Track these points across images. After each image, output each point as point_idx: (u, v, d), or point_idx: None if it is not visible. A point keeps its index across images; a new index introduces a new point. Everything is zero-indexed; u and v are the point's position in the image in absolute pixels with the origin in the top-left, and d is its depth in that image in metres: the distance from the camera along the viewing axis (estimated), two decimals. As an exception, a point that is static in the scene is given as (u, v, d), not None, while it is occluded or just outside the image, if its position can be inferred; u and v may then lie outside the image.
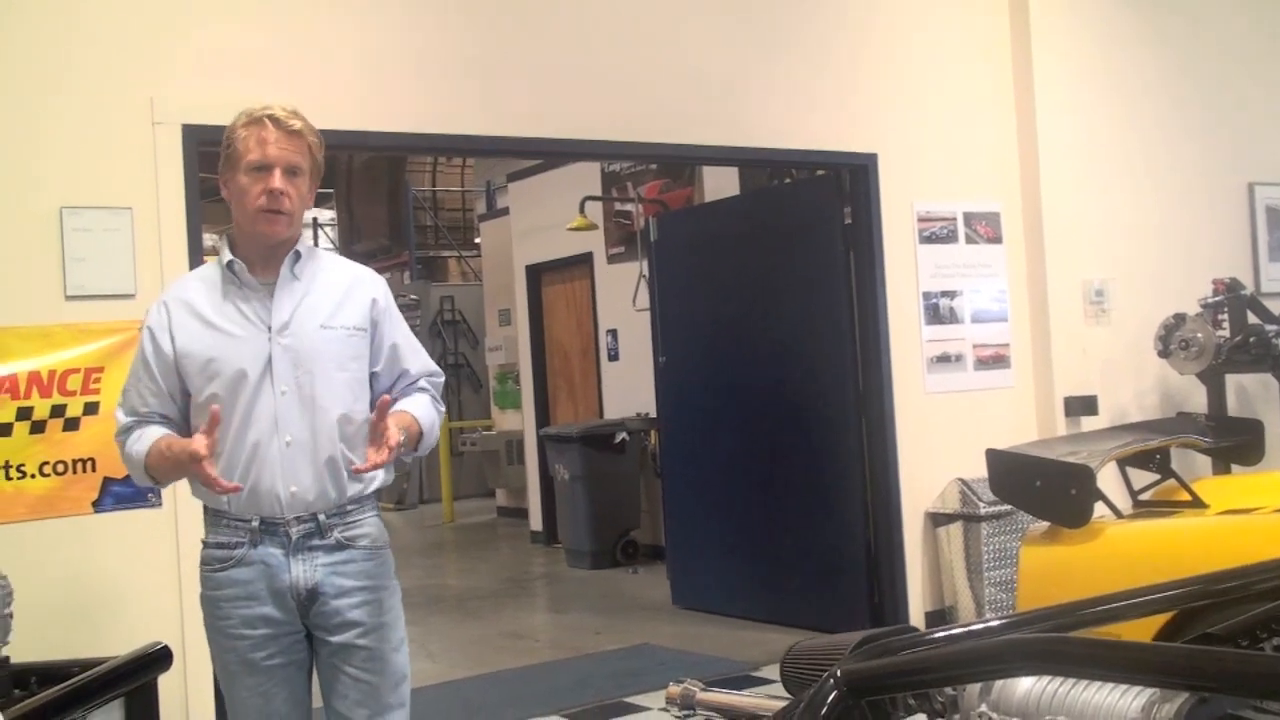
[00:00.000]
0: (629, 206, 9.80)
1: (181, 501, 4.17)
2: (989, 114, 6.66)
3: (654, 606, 7.71)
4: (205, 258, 3.56)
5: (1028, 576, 4.01)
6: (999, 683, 1.89)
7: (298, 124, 2.80)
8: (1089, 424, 6.46)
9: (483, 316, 13.67)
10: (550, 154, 7.35)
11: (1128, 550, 3.83)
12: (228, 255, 2.83)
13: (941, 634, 1.64)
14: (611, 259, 10.21)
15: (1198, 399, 6.71)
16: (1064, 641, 1.24)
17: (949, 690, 2.02)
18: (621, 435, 9.22)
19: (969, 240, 6.55)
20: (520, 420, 11.59)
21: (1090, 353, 6.73)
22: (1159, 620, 3.08)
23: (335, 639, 2.84)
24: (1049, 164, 6.68)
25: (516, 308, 11.57)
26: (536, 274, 11.19)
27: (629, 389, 9.68)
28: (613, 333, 10.19)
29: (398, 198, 17.46)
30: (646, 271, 8.50)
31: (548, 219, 10.42)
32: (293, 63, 4.82)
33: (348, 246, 18.66)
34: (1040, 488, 4.00)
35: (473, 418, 14.36)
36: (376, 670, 2.92)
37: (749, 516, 7.11)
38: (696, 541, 7.49)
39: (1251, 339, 6.52)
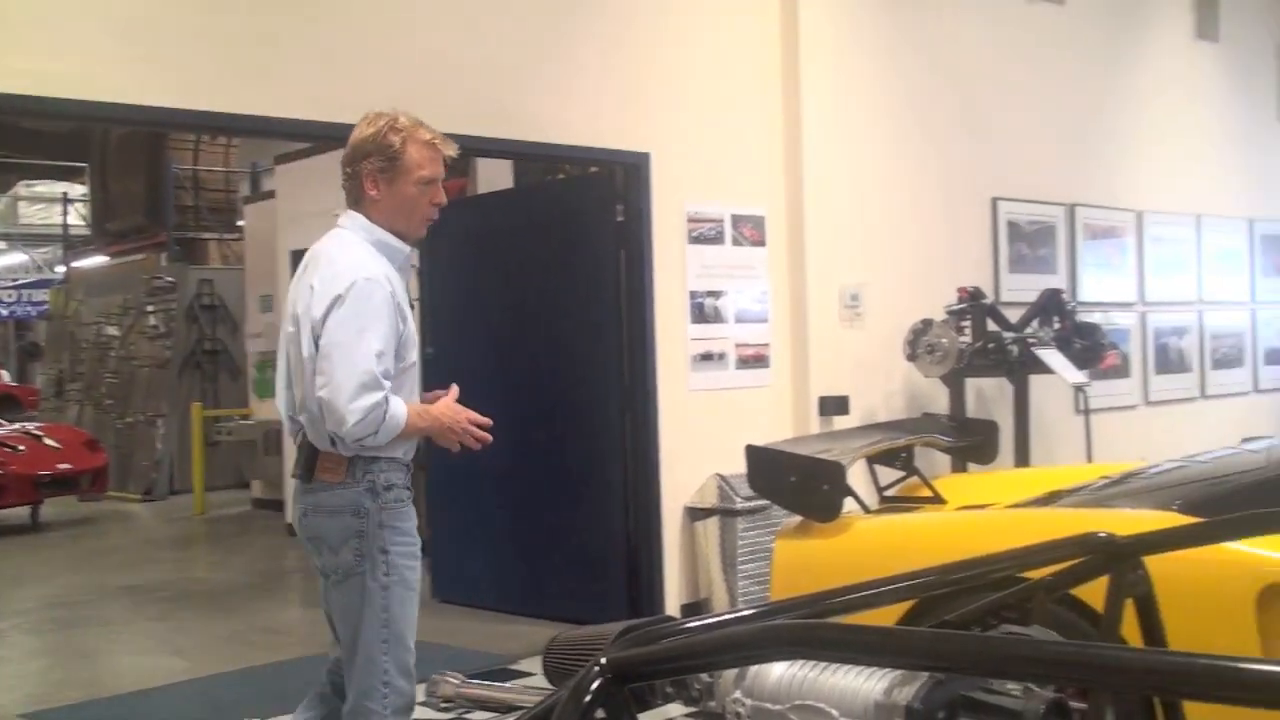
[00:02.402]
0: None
1: None
2: (758, 121, 6.86)
3: (415, 600, 7.61)
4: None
5: (781, 569, 4.16)
6: (753, 669, 1.97)
7: (451, 149, 3.50)
8: (841, 423, 6.74)
9: (243, 302, 13.22)
10: (322, 138, 7.14)
11: (874, 543, 4.03)
12: (399, 243, 3.44)
13: (700, 622, 1.69)
14: (381, 247, 10.01)
15: (941, 401, 7.09)
16: (816, 627, 1.30)
17: (705, 677, 2.09)
18: (386, 426, 9.05)
19: (735, 242, 6.73)
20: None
21: (844, 354, 7.02)
22: (901, 608, 3.25)
23: None
24: (812, 172, 6.93)
25: (279, 294, 11.21)
26: (301, 260, 10.88)
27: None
28: (380, 322, 9.99)
29: (157, 175, 16.67)
30: (416, 262, 8.39)
31: (316, 204, 10.09)
32: (52, 27, 4.55)
33: (100, 225, 17.72)
34: (794, 483, 4.16)
35: (230, 406, 13.86)
36: None
37: (513, 509, 7.12)
38: (460, 534, 7.44)
39: (990, 345, 6.93)
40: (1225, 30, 10.08)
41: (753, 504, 6.17)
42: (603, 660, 1.42)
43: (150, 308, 14.67)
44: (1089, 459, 7.37)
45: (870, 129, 7.27)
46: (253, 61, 5.10)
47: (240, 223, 14.86)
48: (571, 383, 6.77)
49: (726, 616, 1.70)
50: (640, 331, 6.38)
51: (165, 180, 16.41)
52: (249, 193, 14.05)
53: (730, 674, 2.00)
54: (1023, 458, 7.10)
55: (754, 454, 4.20)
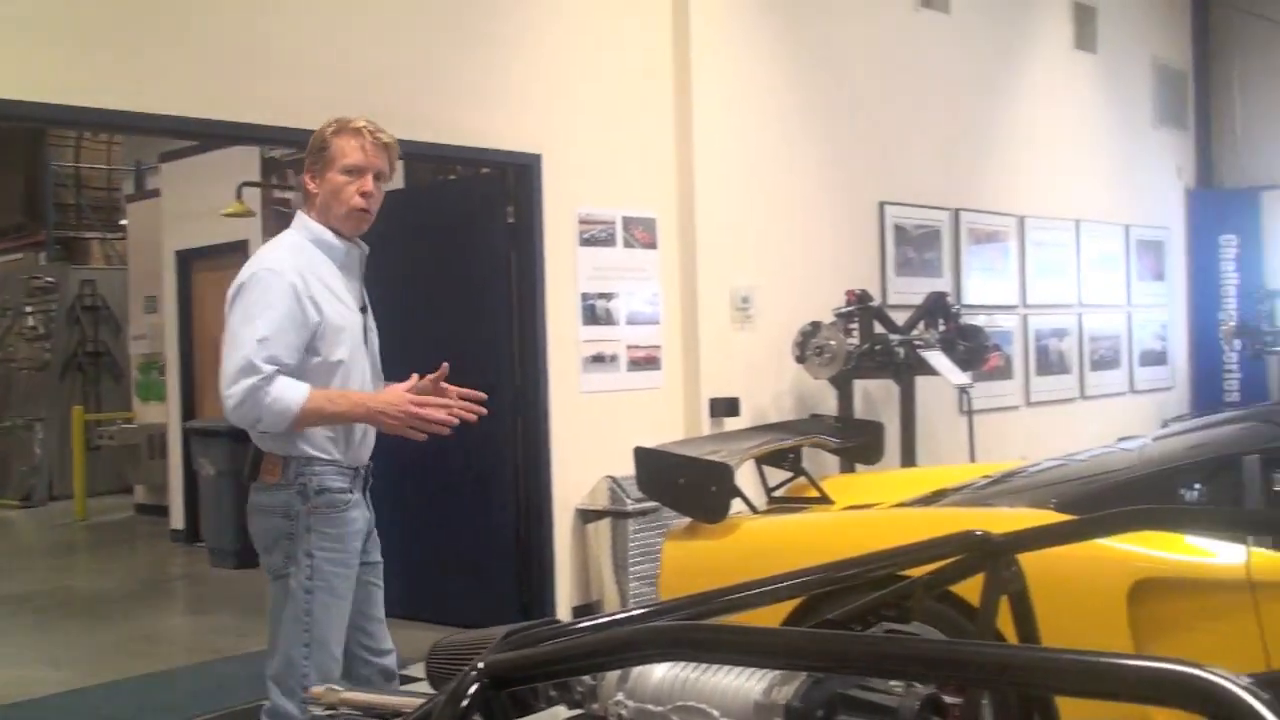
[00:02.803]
0: (290, 194, 9.51)
1: None
2: (650, 124, 6.89)
3: (303, 606, 7.49)
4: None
5: (669, 571, 4.18)
6: (635, 671, 1.97)
7: (387, 137, 3.45)
8: (732, 424, 6.80)
9: (126, 303, 12.89)
10: (204, 136, 7.03)
11: (761, 544, 4.07)
12: (335, 239, 3.43)
13: (582, 624, 1.70)
14: (269, 248, 9.86)
15: (830, 402, 7.19)
16: (691, 629, 1.31)
17: (588, 680, 2.09)
18: (270, 431, 8.91)
19: (627, 245, 6.75)
20: (164, 413, 11.00)
21: (735, 356, 7.08)
22: (787, 607, 3.29)
23: (374, 559, 3.62)
24: (703, 176, 6.98)
25: (165, 295, 10.97)
26: (188, 260, 10.66)
27: (283, 382, 9.37)
28: (269, 324, 9.83)
29: (35, 172, 16.16)
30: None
31: (202, 203, 9.94)
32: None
33: (-28, 221, 17.14)
34: (682, 485, 4.18)
35: (112, 409, 13.51)
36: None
37: (401, 512, 7.02)
38: (349, 539, 7.35)
39: (877, 347, 7.05)
40: (1103, 41, 10.39)
41: (644, 505, 6.19)
42: (480, 664, 1.42)
43: (29, 309, 14.24)
44: (972, 459, 7.53)
45: (761, 134, 7.35)
46: (134, 58, 4.98)
47: (123, 222, 14.48)
48: (463, 384, 6.68)
49: (605, 619, 1.71)
50: (532, 334, 6.37)
51: (44, 177, 15.91)
52: (133, 191, 13.68)
53: (613, 676, 2.00)
54: (909, 458, 7.23)
55: (642, 456, 4.22)
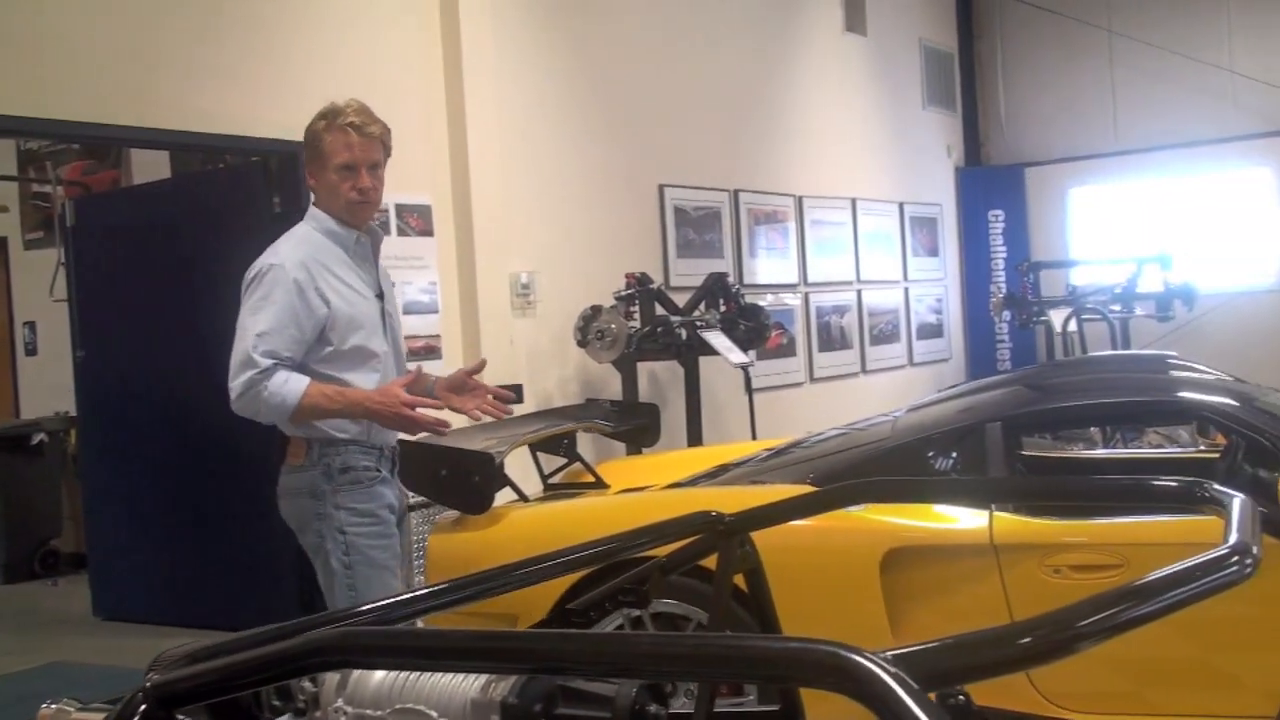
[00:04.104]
0: (48, 188, 9.05)
1: None
2: (421, 109, 6.75)
3: (75, 620, 7.15)
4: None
5: (435, 565, 4.12)
6: (354, 675, 1.91)
7: (375, 128, 3.53)
8: (517, 412, 6.74)
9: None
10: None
11: (525, 532, 4.03)
12: (342, 228, 3.52)
13: (256, 634, 1.63)
14: (29, 245, 9.40)
15: (615, 386, 7.21)
16: (357, 635, 1.26)
17: (308, 686, 2.02)
18: (39, 436, 8.50)
19: (401, 232, 6.61)
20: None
21: (517, 343, 7.02)
22: (558, 590, 3.26)
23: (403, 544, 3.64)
24: (478, 161, 6.89)
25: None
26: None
27: (49, 386, 8.92)
28: (30, 325, 9.39)
29: None
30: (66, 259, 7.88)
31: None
32: None
33: None
34: (445, 476, 4.12)
35: None
36: None
37: (179, 517, 6.79)
38: (122, 547, 7.03)
39: (659, 329, 7.09)
40: (872, 24, 10.70)
41: (425, 499, 6.08)
42: (146, 684, 1.34)
43: None
44: (754, 436, 7.67)
45: (537, 118, 7.30)
46: None
47: None
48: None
49: (268, 629, 1.64)
50: (304, 326, 6.17)
51: None
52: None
53: (332, 681, 1.94)
54: (695, 438, 7.32)
55: (404, 448, 4.11)
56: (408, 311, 6.60)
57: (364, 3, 6.51)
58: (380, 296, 3.61)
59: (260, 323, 3.35)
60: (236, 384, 3.35)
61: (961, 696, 2.35)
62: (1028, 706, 3.41)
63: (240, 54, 5.94)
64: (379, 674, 1.93)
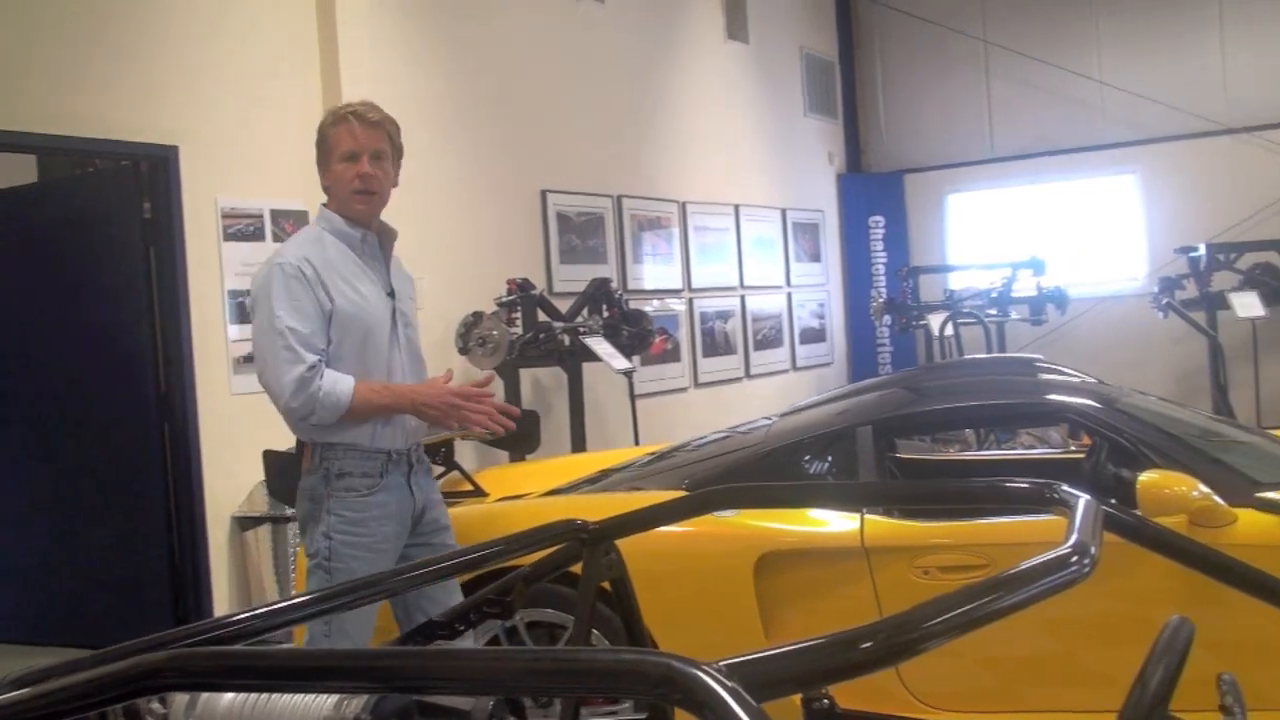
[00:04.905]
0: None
1: None
2: (296, 113, 6.62)
3: (-65, 640, 6.87)
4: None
5: (305, 577, 4.03)
6: (203, 697, 1.86)
7: (376, 115, 3.51)
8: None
9: None
10: None
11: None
12: (350, 227, 3.50)
13: (97, 655, 1.57)
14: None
15: (498, 393, 7.15)
16: (185, 656, 1.22)
17: (158, 707, 1.96)
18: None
19: (277, 238, 6.48)
20: None
21: (398, 350, 6.92)
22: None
23: (435, 540, 3.55)
24: (356, 166, 6.78)
25: None
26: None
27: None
28: (-113, 334, 8.98)
29: None
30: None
31: None
32: None
33: None
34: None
35: None
36: None
37: (40, 532, 6.58)
38: (-14, 563, 6.79)
39: (542, 335, 7.06)
40: (754, 32, 10.80)
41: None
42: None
43: None
44: (636, 442, 7.67)
45: (416, 123, 7.18)
46: None
47: None
48: (101, 391, 6.31)
49: (116, 649, 1.59)
50: (175, 334, 6.03)
51: None
52: None
53: (181, 701, 1.89)
54: (579, 444, 7.30)
55: (270, 459, 4.06)
56: (284, 319, 6.48)
57: (234, 6, 6.38)
58: (392, 295, 3.58)
59: (286, 319, 3.35)
60: (288, 382, 3.31)
61: (826, 700, 2.37)
62: (897, 706, 3.46)
63: (110, 56, 5.78)
64: (229, 695, 1.88)
